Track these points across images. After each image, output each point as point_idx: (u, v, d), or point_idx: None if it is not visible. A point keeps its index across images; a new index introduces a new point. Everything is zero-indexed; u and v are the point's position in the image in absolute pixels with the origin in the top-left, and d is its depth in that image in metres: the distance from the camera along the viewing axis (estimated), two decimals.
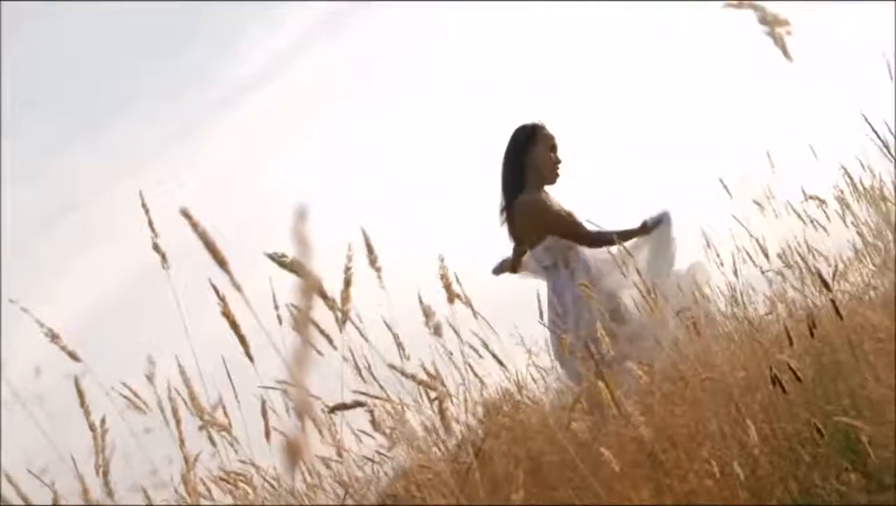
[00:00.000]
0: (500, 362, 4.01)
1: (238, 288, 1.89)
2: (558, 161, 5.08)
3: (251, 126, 11.56)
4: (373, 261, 2.65)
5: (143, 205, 2.89)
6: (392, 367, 2.98)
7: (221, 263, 1.86)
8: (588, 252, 4.89)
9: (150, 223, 2.90)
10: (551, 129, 5.16)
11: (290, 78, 12.49)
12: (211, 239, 1.83)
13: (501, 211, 5.12)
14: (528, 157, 5.04)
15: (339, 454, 3.52)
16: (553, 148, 5.09)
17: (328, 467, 3.70)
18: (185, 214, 1.84)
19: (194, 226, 1.84)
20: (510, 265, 5.15)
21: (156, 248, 2.88)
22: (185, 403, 3.22)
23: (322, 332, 2.86)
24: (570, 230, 4.92)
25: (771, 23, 2.02)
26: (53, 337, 2.88)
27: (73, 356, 2.91)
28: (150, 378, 3.12)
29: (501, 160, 5.14)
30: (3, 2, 9.13)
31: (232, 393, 3.47)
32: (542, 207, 4.96)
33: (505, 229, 5.12)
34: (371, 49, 12.54)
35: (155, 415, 3.11)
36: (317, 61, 12.75)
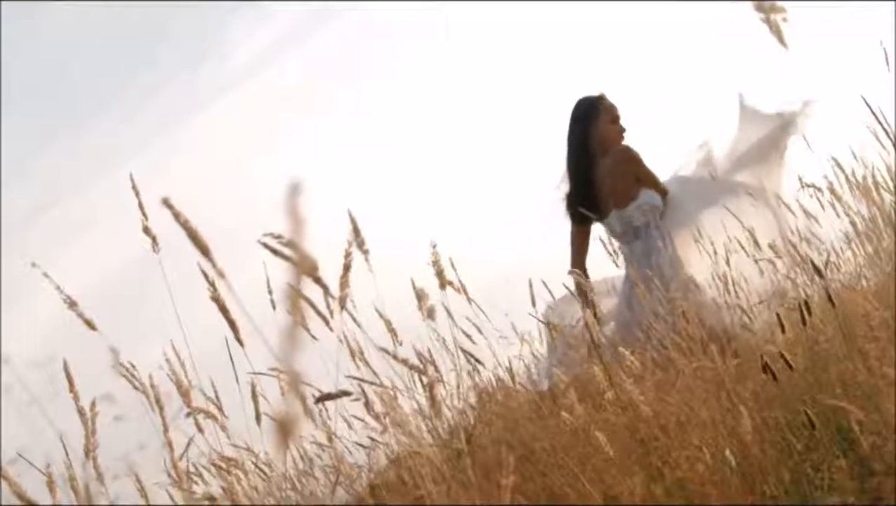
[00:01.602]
0: (480, 361, 4.00)
1: (221, 274, 1.89)
2: (623, 130, 5.02)
3: (237, 121, 11.54)
4: (360, 243, 2.64)
5: (134, 187, 2.88)
6: (384, 350, 2.98)
7: (204, 250, 1.85)
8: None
9: (141, 206, 2.89)
10: (612, 98, 5.11)
11: (275, 74, 12.45)
12: (193, 227, 1.82)
13: (568, 196, 5.06)
14: (593, 131, 4.99)
15: (329, 440, 3.52)
16: (615, 119, 5.02)
17: (320, 452, 3.70)
18: (167, 203, 1.83)
19: (176, 215, 1.83)
20: (578, 252, 5.08)
21: (146, 231, 2.88)
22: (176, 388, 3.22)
23: (319, 313, 2.86)
24: (658, 182, 4.95)
25: (767, 10, 2.02)
26: (71, 304, 2.89)
27: (90, 324, 2.92)
28: (130, 369, 3.10)
29: (566, 138, 5.08)
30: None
31: (225, 378, 3.48)
32: (639, 157, 4.93)
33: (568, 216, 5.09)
34: (357, 44, 12.52)
35: (137, 403, 3.10)
36: (302, 56, 12.72)
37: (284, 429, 1.01)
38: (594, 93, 5.11)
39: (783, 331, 3.21)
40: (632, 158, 4.98)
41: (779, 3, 2.05)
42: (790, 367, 3.03)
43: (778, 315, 3.21)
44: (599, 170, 4.96)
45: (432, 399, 2.68)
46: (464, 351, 3.85)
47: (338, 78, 12.59)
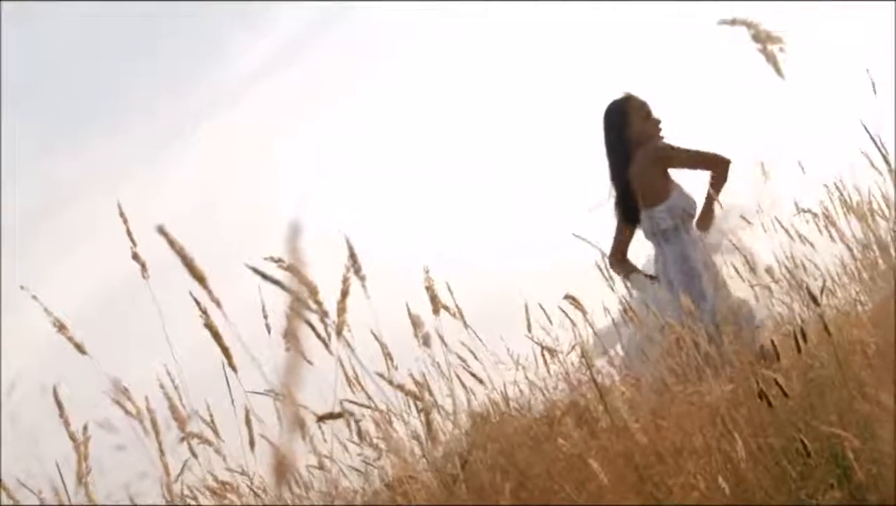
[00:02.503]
0: (480, 381, 4.00)
1: (217, 303, 1.89)
2: (658, 123, 4.96)
3: (236, 131, 11.54)
4: (357, 270, 2.64)
5: (122, 215, 2.87)
6: (380, 376, 2.98)
7: (200, 279, 1.85)
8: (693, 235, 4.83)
9: (129, 233, 2.88)
10: (640, 94, 5.05)
11: (275, 83, 12.46)
12: (188, 255, 1.82)
13: (618, 203, 5.04)
14: (628, 134, 4.94)
15: (321, 466, 3.51)
16: (647, 115, 4.96)
17: (314, 476, 3.70)
18: (162, 231, 1.83)
19: (171, 243, 1.83)
20: (616, 246, 5.06)
21: (135, 257, 2.87)
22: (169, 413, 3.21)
23: (319, 335, 2.85)
24: (706, 157, 4.87)
25: (764, 40, 2.03)
26: (61, 327, 2.88)
27: (79, 348, 2.91)
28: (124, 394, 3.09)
29: (604, 147, 5.05)
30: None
31: (220, 398, 3.47)
32: (670, 152, 4.87)
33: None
34: (357, 53, 12.53)
35: (130, 430, 3.09)
36: (303, 66, 12.74)
37: (282, 467, 1.01)
38: (619, 94, 5.03)
39: (778, 358, 3.21)
40: (659, 158, 4.90)
41: (775, 34, 2.06)
42: (785, 394, 3.03)
43: (773, 341, 3.21)
44: (632, 169, 4.92)
45: (428, 425, 2.68)
46: (463, 373, 3.84)
47: (338, 88, 12.61)
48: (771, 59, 2.02)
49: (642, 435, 2.86)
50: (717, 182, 4.80)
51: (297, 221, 1.03)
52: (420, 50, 12.43)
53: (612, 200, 5.04)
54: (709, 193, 4.80)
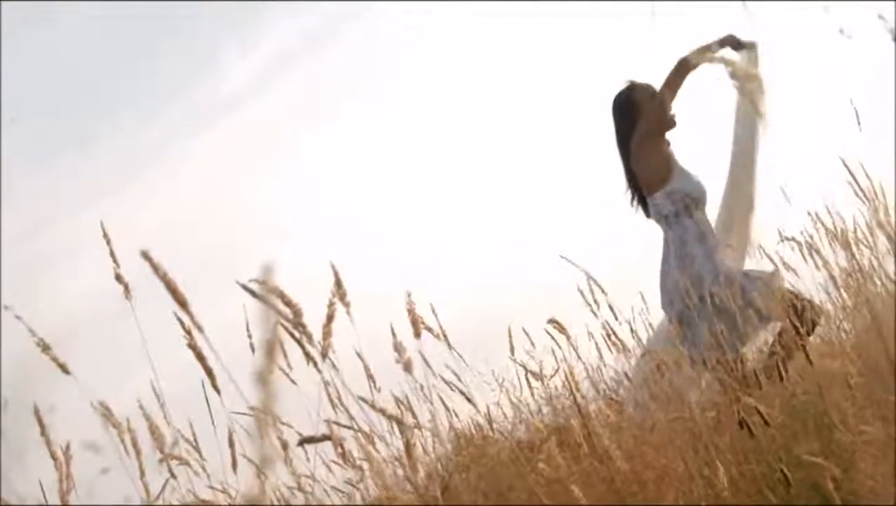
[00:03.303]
0: (469, 400, 4.00)
1: (199, 328, 1.89)
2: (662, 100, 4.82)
3: (224, 149, 11.54)
4: (342, 295, 2.65)
5: (105, 235, 2.88)
6: (362, 399, 2.98)
7: (182, 303, 1.86)
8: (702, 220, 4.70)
9: (112, 254, 2.88)
10: (640, 78, 4.94)
11: (262, 102, 12.46)
12: (172, 281, 1.83)
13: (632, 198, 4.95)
14: (642, 125, 4.84)
15: (300, 488, 3.51)
16: (653, 95, 4.85)
17: (295, 496, 3.69)
18: (146, 255, 1.84)
19: (155, 268, 1.83)
20: None
21: (118, 278, 2.87)
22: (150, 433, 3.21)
23: (307, 354, 2.85)
24: (667, 81, 4.66)
25: (741, 78, 2.04)
26: (45, 348, 2.87)
27: (63, 368, 2.90)
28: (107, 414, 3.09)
29: (616, 144, 4.98)
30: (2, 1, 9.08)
31: (202, 422, 3.47)
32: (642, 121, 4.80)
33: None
34: (345, 73, 12.55)
35: (112, 452, 3.09)
36: (290, 86, 12.74)
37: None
38: (621, 86, 4.92)
39: (760, 387, 3.22)
40: (640, 137, 4.78)
41: (753, 72, 2.08)
42: (766, 422, 3.04)
43: (755, 371, 3.23)
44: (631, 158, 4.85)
45: (407, 449, 2.68)
46: (442, 400, 3.84)
47: (328, 105, 12.61)
48: (749, 97, 2.04)
49: (623, 461, 2.86)
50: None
51: (270, 261, 1.03)
52: (407, 71, 12.45)
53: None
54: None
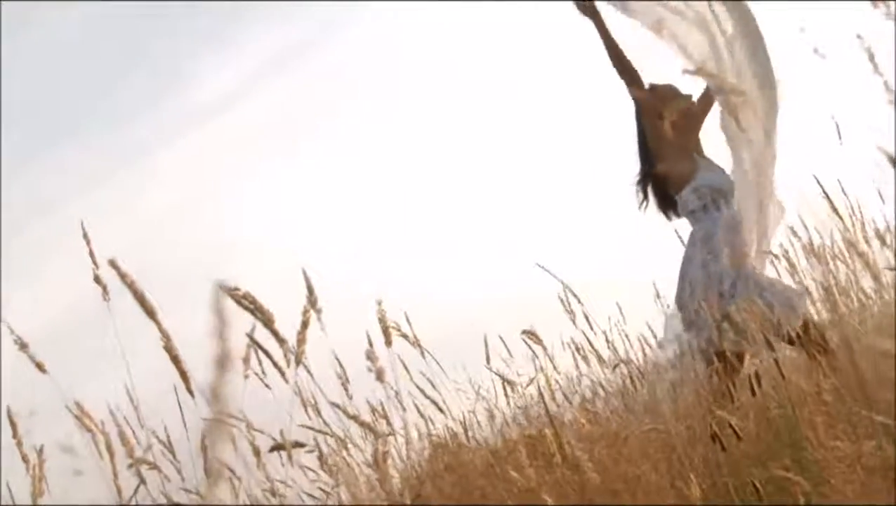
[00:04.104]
0: (440, 408, 4.00)
1: (168, 338, 1.89)
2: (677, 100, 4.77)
3: (201, 158, 11.52)
4: (313, 303, 2.65)
5: (85, 236, 2.87)
6: (334, 405, 2.99)
7: (150, 312, 1.86)
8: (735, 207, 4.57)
9: (91, 254, 2.88)
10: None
11: (239, 110, 12.44)
12: (139, 289, 1.83)
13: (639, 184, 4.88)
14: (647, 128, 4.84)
15: (273, 492, 3.51)
16: (652, 87, 4.79)
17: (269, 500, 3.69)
18: (114, 264, 1.84)
19: (122, 276, 1.83)
20: None
21: (97, 279, 2.86)
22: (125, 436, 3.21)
23: (275, 364, 2.86)
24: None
25: (726, 92, 2.06)
26: (22, 345, 2.86)
27: (40, 367, 2.89)
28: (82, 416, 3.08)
29: (637, 147, 4.97)
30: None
31: (177, 427, 3.46)
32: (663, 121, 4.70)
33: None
34: (318, 85, 12.55)
35: (86, 455, 3.08)
36: (267, 97, 12.74)
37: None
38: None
39: (732, 400, 3.23)
40: (662, 140, 4.65)
41: (738, 86, 2.09)
42: (738, 436, 3.05)
43: (727, 385, 3.24)
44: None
45: (375, 458, 2.69)
46: (421, 402, 3.85)
47: (304, 118, 12.61)
48: (732, 110, 2.05)
49: (594, 472, 2.87)
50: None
51: (221, 282, 1.03)
52: (382, 84, 12.46)
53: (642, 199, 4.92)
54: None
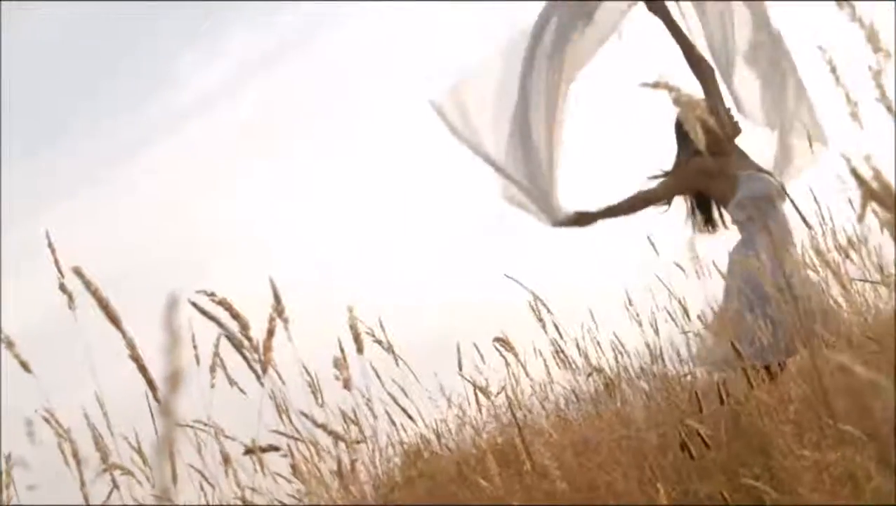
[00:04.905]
0: (409, 415, 4.01)
1: (132, 346, 1.89)
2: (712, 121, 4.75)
3: (184, 158, 11.50)
4: (280, 312, 2.65)
5: (50, 245, 2.86)
6: (304, 415, 2.98)
7: (114, 320, 1.85)
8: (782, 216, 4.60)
9: (57, 263, 2.86)
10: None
11: (222, 113, 12.41)
12: (103, 297, 1.83)
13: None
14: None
15: (244, 499, 3.51)
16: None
17: None
18: (78, 272, 1.83)
19: (87, 284, 1.83)
20: None
21: (62, 288, 2.85)
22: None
23: (250, 365, 2.86)
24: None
25: (684, 105, 2.05)
26: (9, 344, 2.85)
27: (25, 366, 2.88)
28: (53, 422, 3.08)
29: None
30: None
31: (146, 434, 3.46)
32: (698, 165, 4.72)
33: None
34: (297, 90, 12.53)
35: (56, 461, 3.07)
36: (250, 98, 12.72)
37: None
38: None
39: (700, 410, 3.24)
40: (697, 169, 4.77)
41: (696, 98, 2.09)
42: (706, 445, 3.06)
43: (696, 393, 3.25)
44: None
45: (339, 469, 2.69)
46: (394, 409, 3.85)
47: (288, 119, 12.59)
48: (691, 123, 2.05)
49: (562, 481, 2.87)
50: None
51: (174, 295, 1.03)
52: (360, 90, 12.46)
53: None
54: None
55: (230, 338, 2.39)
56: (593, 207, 4.82)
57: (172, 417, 1.08)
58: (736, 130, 4.78)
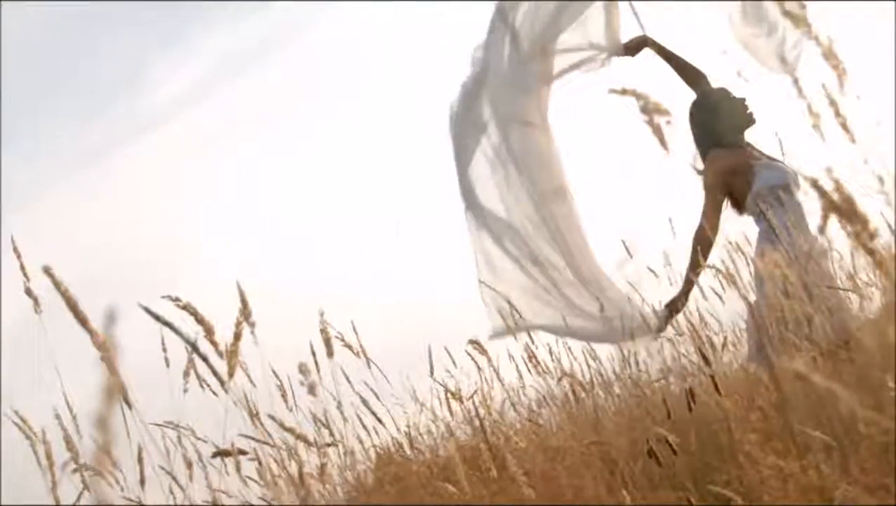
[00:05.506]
0: (378, 419, 4.01)
1: (99, 347, 1.88)
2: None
3: (149, 165, 11.46)
4: (247, 316, 2.65)
5: (15, 250, 2.86)
6: (271, 418, 2.98)
7: (82, 321, 1.85)
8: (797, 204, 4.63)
9: (22, 267, 2.86)
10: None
11: (189, 119, 12.37)
12: (72, 297, 1.82)
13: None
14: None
15: (214, 501, 3.50)
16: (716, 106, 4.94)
17: None
18: (48, 272, 1.83)
19: (56, 285, 1.83)
20: None
21: (28, 292, 2.85)
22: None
23: (214, 371, 2.86)
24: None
25: (651, 112, 2.06)
26: None
27: None
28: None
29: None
30: None
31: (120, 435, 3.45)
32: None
33: None
34: (265, 94, 12.51)
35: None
36: (221, 100, 12.69)
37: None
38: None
39: (669, 416, 3.25)
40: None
41: (663, 106, 2.09)
42: (674, 452, 3.07)
43: (664, 400, 3.25)
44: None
45: (301, 476, 2.70)
46: (360, 418, 3.85)
47: (258, 121, 12.58)
48: (657, 131, 2.05)
49: (529, 486, 2.88)
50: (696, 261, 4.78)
51: (112, 308, 1.03)
52: (328, 91, 12.44)
53: None
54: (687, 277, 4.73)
55: (189, 343, 2.38)
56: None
57: (109, 429, 1.08)
58: (750, 121, 4.83)
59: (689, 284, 4.66)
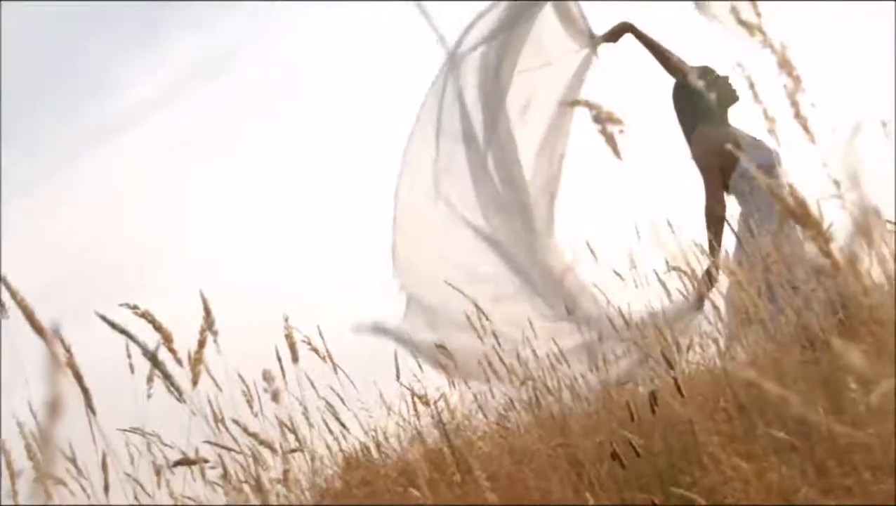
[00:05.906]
0: (342, 424, 4.01)
1: (55, 359, 1.87)
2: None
3: (119, 167, 11.41)
4: (210, 324, 2.65)
5: None
6: (235, 422, 2.98)
7: (39, 330, 1.84)
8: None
9: None
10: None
11: (161, 121, 12.33)
12: (28, 306, 1.82)
13: None
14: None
15: None
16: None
17: None
18: (4, 281, 1.82)
19: (13, 294, 1.82)
20: None
21: None
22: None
23: (170, 381, 2.85)
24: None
25: (604, 121, 2.07)
26: None
27: None
28: None
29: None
30: None
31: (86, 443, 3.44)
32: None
33: None
34: (237, 98, 12.48)
35: None
36: (192, 103, 12.64)
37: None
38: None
39: (633, 418, 3.26)
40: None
41: (616, 115, 2.10)
42: (637, 454, 3.08)
43: (628, 402, 3.27)
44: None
45: (258, 484, 2.69)
46: (326, 423, 3.85)
47: (230, 124, 12.55)
48: (610, 140, 2.07)
49: (492, 491, 2.88)
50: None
51: (56, 322, 1.03)
52: (302, 95, 12.41)
53: None
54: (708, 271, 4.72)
55: (147, 351, 2.38)
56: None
57: (53, 444, 1.07)
58: (734, 98, 4.88)
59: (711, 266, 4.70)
